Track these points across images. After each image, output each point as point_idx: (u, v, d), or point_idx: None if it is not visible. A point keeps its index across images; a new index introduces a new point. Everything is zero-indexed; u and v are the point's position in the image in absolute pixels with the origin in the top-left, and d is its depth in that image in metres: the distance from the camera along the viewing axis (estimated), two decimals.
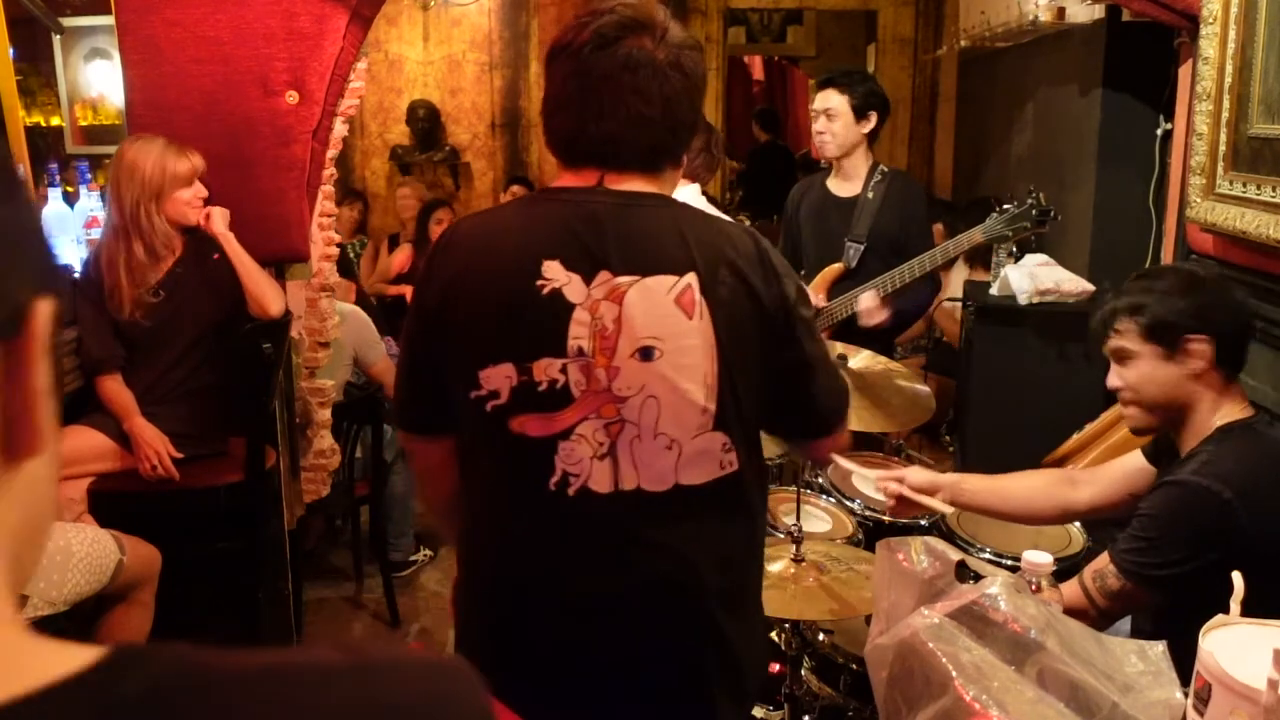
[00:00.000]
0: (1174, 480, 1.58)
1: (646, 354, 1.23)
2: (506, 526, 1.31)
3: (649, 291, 1.23)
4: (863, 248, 2.99)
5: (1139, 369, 1.65)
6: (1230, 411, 1.63)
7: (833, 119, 2.97)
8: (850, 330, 2.88)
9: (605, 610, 1.28)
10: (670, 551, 1.27)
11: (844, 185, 3.09)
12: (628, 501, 1.25)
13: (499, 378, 1.24)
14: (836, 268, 3.04)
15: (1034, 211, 2.74)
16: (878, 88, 3.03)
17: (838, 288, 3.02)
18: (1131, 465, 1.86)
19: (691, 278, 1.24)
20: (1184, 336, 1.60)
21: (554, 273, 1.23)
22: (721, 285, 1.25)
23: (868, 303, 2.88)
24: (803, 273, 3.18)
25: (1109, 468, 1.92)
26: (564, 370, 1.23)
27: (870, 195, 3.01)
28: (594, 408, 1.23)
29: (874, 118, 2.98)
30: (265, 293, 2.69)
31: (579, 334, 1.22)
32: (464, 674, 0.47)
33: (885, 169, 3.06)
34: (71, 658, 0.40)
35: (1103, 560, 1.61)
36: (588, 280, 1.23)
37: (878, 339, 2.83)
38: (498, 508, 1.32)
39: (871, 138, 3.04)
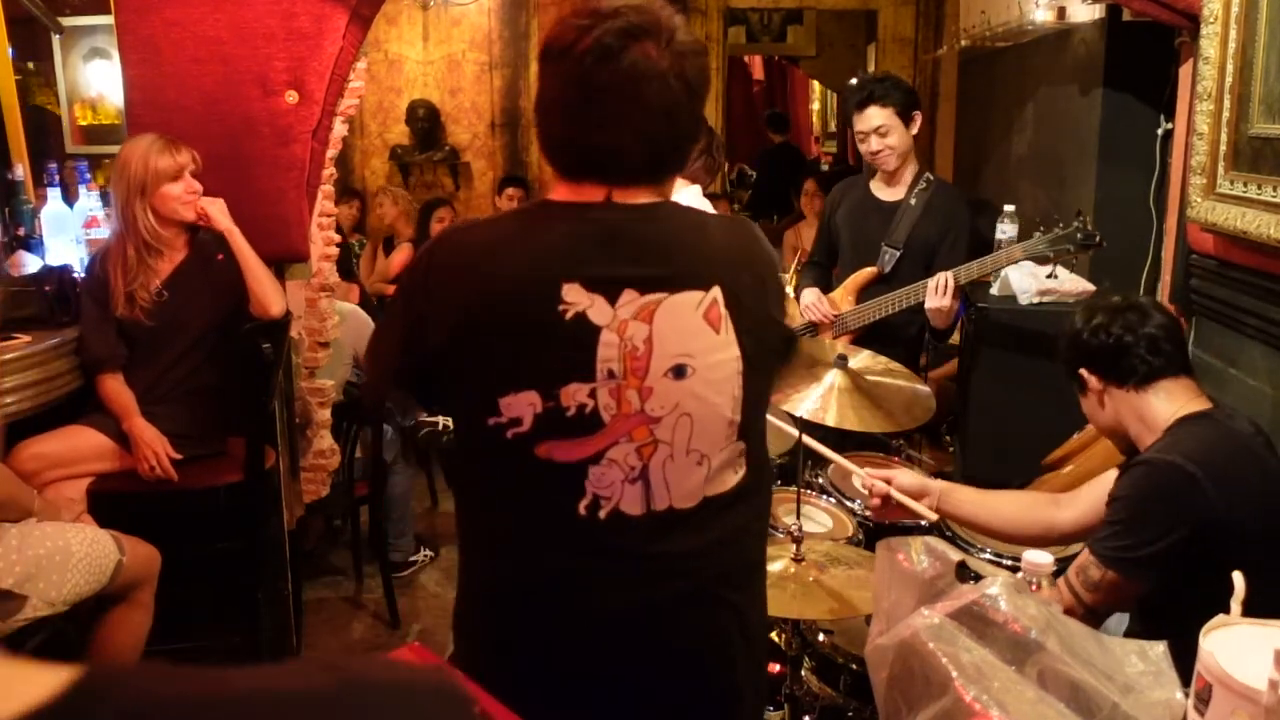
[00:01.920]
0: (1138, 461, 1.62)
1: (680, 372, 1.21)
2: (530, 551, 1.28)
3: (677, 308, 1.21)
4: (899, 254, 2.95)
5: (1082, 405, 1.83)
6: (1186, 406, 1.66)
7: (886, 134, 2.90)
8: (879, 334, 2.86)
9: (635, 628, 1.27)
10: (699, 561, 1.27)
11: (888, 190, 3.04)
12: (660, 521, 1.23)
13: (521, 405, 1.19)
14: (869, 271, 3.01)
15: (1079, 235, 2.68)
16: (905, 84, 2.98)
17: (868, 292, 3.00)
18: (1110, 482, 1.86)
19: (716, 291, 1.23)
20: (1076, 373, 1.77)
21: (575, 296, 1.19)
22: (744, 293, 1.25)
23: (942, 281, 2.74)
24: (836, 273, 3.17)
25: (1089, 488, 1.92)
26: (593, 394, 1.19)
27: (913, 202, 2.97)
28: (625, 430, 1.20)
29: (918, 116, 2.94)
30: (268, 292, 2.69)
31: (608, 356, 1.19)
32: (455, 695, 0.45)
33: (931, 176, 3.01)
34: (37, 683, 0.38)
35: (1084, 555, 1.62)
36: (612, 301, 1.19)
37: (905, 345, 2.80)
38: (520, 532, 1.28)
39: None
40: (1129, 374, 1.69)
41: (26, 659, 0.40)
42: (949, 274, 2.75)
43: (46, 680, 0.38)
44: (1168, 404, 1.66)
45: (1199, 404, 1.66)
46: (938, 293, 2.74)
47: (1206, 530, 1.50)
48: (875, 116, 2.90)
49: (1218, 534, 1.49)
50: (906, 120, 2.92)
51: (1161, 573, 1.54)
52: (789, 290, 3.65)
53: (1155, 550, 1.53)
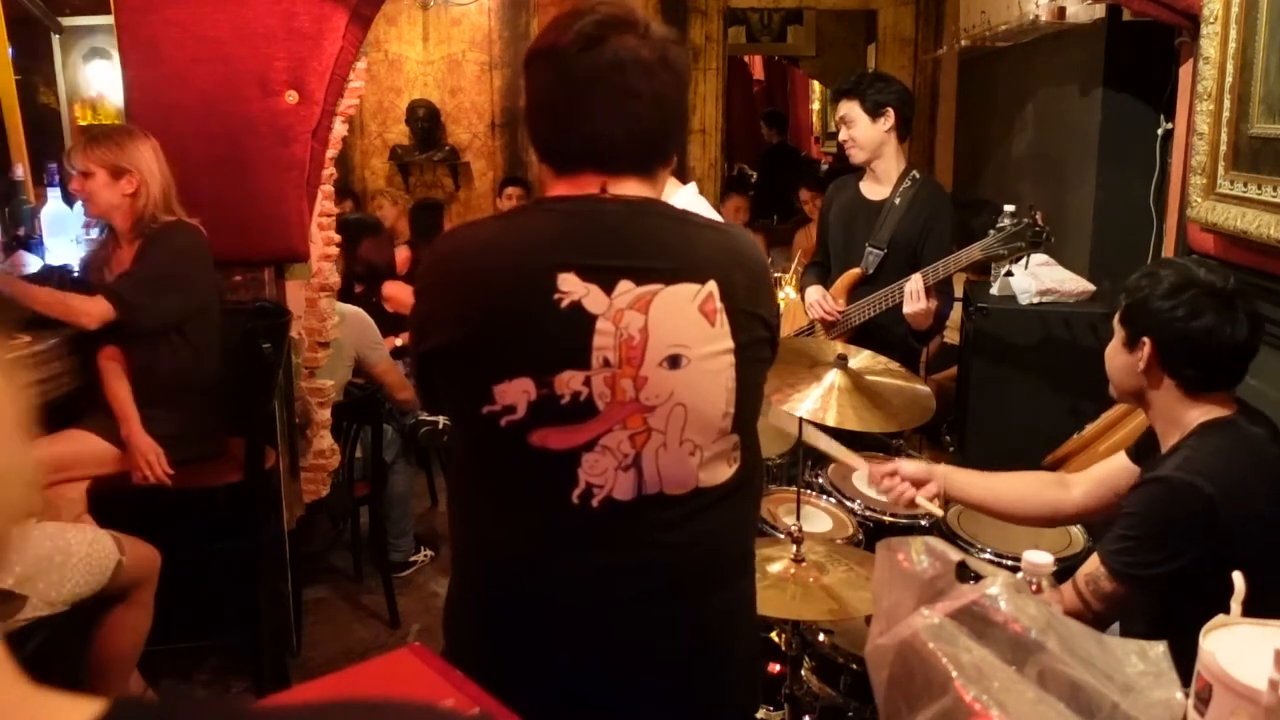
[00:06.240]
0: (1155, 477, 1.59)
1: (674, 362, 1.22)
2: (524, 539, 1.29)
3: (673, 299, 1.22)
4: (883, 254, 2.95)
5: (1110, 345, 1.72)
6: (1212, 411, 1.63)
7: (850, 125, 2.95)
8: (871, 337, 2.85)
9: (628, 620, 1.28)
10: (689, 551, 1.28)
11: (875, 188, 3.04)
12: (650, 506, 1.25)
13: (516, 392, 1.20)
14: (855, 272, 3.01)
15: (1030, 233, 2.69)
16: (891, 84, 2.97)
17: (856, 293, 3.00)
18: (1116, 465, 1.87)
19: (712, 285, 1.24)
20: (1137, 334, 1.64)
21: (570, 285, 1.20)
22: (738, 290, 1.26)
23: (915, 284, 2.77)
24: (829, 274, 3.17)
25: (1095, 470, 1.92)
26: (587, 382, 1.20)
27: (897, 201, 2.96)
28: (620, 418, 1.21)
29: (891, 114, 2.92)
30: (70, 312, 2.56)
31: (604, 345, 1.20)
32: None
33: (917, 174, 3.00)
34: (65, 716, 0.38)
35: (1093, 563, 1.62)
36: (608, 290, 1.20)
37: (898, 348, 2.79)
38: (514, 521, 1.29)
39: (902, 136, 2.98)
40: (1188, 375, 1.62)
41: (52, 689, 0.40)
42: (917, 276, 2.77)
43: (74, 713, 0.39)
44: (1201, 412, 1.63)
45: (1226, 408, 1.63)
46: (911, 298, 2.76)
47: (1221, 549, 1.49)
48: (841, 108, 2.98)
49: (1230, 551, 1.48)
50: (874, 116, 2.92)
51: (1174, 588, 1.54)
52: (791, 291, 3.66)
53: (1168, 569, 1.54)
